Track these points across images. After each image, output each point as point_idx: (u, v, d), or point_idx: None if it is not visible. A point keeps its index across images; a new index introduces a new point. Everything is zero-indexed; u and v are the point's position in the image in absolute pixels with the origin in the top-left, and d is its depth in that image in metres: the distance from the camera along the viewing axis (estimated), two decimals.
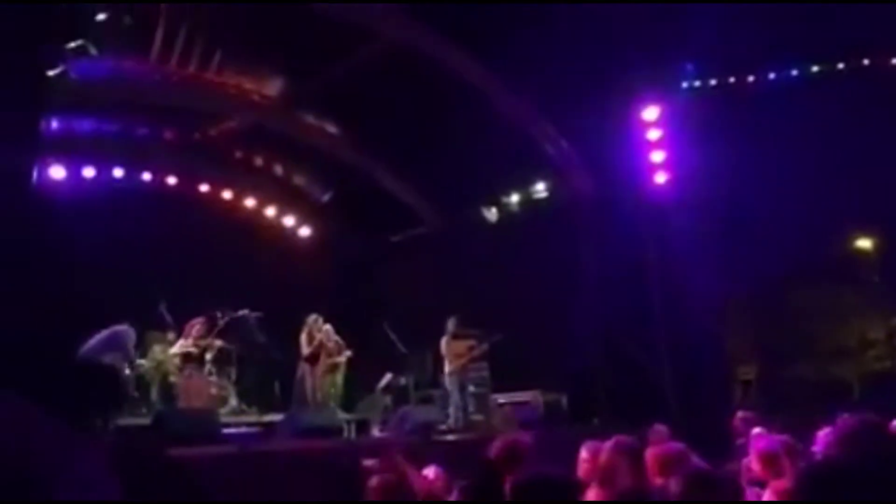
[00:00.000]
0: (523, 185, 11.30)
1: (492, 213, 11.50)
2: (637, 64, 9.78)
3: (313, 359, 8.95)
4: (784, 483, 3.88)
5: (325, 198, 13.01)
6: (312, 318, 9.42)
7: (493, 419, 9.00)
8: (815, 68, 11.56)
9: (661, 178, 10.31)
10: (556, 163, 10.76)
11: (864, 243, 14.56)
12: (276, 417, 8.55)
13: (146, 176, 11.28)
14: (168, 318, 9.42)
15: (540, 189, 11.17)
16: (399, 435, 8.18)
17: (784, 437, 4.89)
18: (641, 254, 10.17)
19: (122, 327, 8.35)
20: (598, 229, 10.46)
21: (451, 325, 9.31)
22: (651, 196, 10.23)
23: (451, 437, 8.08)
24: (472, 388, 9.28)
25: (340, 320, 9.97)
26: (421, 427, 8.02)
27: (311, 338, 9.01)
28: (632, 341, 10.28)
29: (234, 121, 11.11)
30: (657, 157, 10.40)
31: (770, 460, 4.24)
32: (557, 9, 8.53)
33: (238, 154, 11.93)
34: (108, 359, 8.01)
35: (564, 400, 9.48)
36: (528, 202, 11.35)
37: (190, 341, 8.84)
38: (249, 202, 12.56)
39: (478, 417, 9.12)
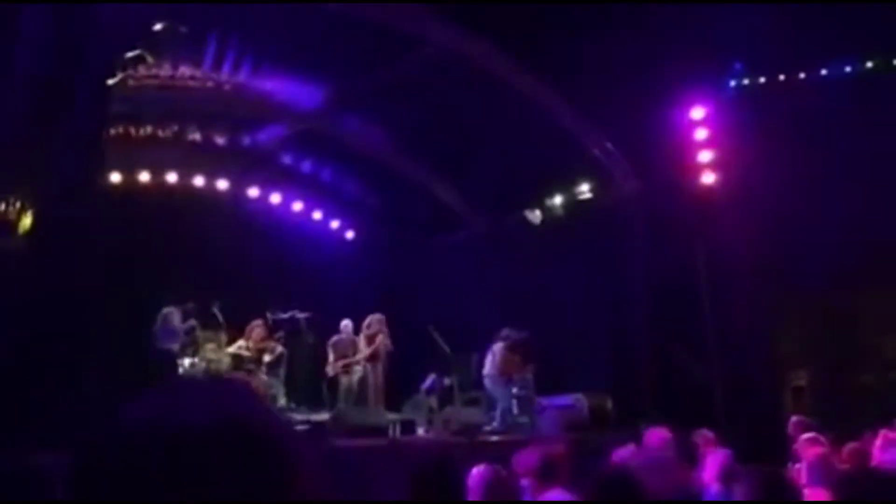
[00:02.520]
0: (567, 186, 11.25)
1: (535, 215, 11.48)
2: (684, 62, 9.64)
3: (373, 358, 9.12)
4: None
5: (370, 201, 13.18)
6: (377, 317, 9.50)
7: (538, 421, 8.98)
8: (869, 64, 11.21)
9: (708, 177, 10.14)
10: (601, 163, 10.68)
11: None
12: (325, 416, 8.71)
13: (199, 181, 11.61)
14: (220, 318, 9.68)
15: (584, 190, 11.10)
16: (444, 435, 8.26)
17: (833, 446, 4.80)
18: (689, 255, 10.02)
19: (165, 310, 8.75)
20: (644, 230, 10.34)
21: (508, 333, 9.28)
22: (699, 196, 10.07)
23: (495, 439, 8.11)
24: (516, 391, 9.27)
25: (386, 322, 10.10)
26: (465, 428, 8.07)
27: (371, 339, 9.18)
28: (680, 344, 10.13)
29: (283, 126, 11.36)
30: (705, 156, 10.24)
31: (819, 467, 4.17)
32: (603, 8, 8.49)
33: (286, 159, 12.20)
34: (161, 345, 8.40)
35: (610, 403, 9.39)
36: (573, 204, 11.29)
37: (250, 343, 9.08)
38: (297, 206, 12.82)
39: (522, 420, 9.11)
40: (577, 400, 9.33)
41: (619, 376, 10.08)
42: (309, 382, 10.23)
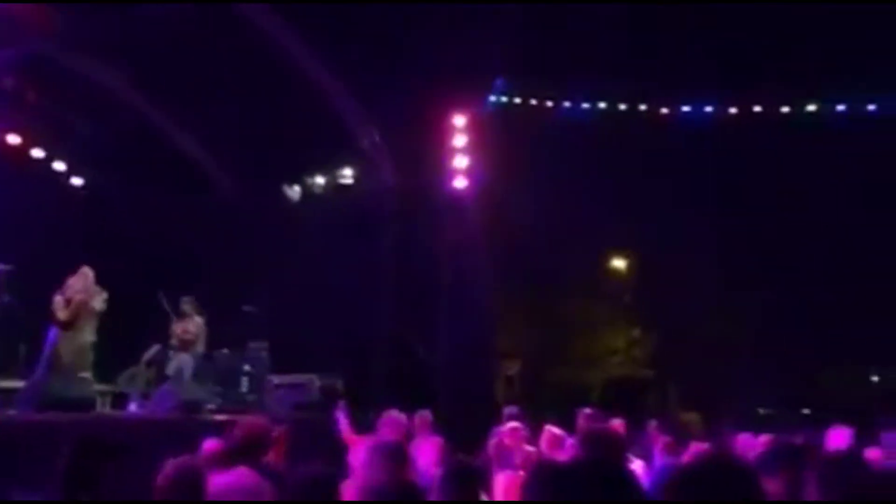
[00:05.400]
0: (330, 168, 11.28)
1: (294, 191, 11.30)
2: (454, 71, 10.20)
3: (70, 323, 7.92)
4: (511, 475, 4.32)
5: (111, 150, 11.76)
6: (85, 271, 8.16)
7: (268, 401, 8.83)
8: (602, 104, 12.97)
9: (460, 182, 10.84)
10: (367, 152, 10.87)
11: (620, 263, 16.75)
12: (19, 384, 7.62)
13: None
14: None
15: (346, 175, 11.22)
16: (161, 412, 7.73)
17: (520, 431, 5.44)
18: (434, 251, 10.65)
19: None
20: (397, 223, 10.76)
21: (187, 306, 8.77)
22: (450, 199, 10.74)
23: (220, 417, 7.81)
24: (247, 368, 9.01)
25: (107, 282, 9.07)
26: (187, 405, 7.65)
27: (68, 300, 7.90)
28: (415, 332, 10.74)
29: (8, 48, 9.60)
30: (460, 162, 10.93)
31: (501, 452, 4.71)
32: (389, 6, 8.65)
33: (6, 83, 10.32)
34: None
35: (341, 384, 9.59)
36: (334, 186, 11.35)
37: None
38: (13, 139, 10.95)
39: (250, 397, 8.89)
40: (309, 380, 9.38)
41: (355, 359, 10.37)
42: (3, 344, 8.82)
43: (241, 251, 11.13)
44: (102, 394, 8.35)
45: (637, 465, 4.70)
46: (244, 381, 8.89)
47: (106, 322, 8.55)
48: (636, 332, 16.56)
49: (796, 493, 2.65)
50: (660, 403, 14.90)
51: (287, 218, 11.23)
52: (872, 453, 5.22)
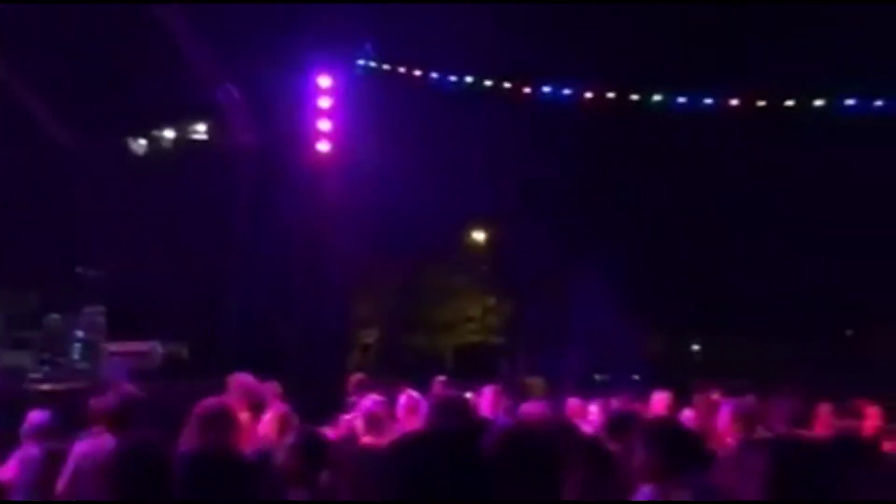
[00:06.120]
0: (181, 123, 10.60)
1: (139, 145, 10.53)
2: (321, 29, 9.88)
3: None
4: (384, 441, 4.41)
5: None
6: None
7: (102, 369, 8.29)
8: (468, 79, 13.18)
9: (323, 146, 10.58)
10: (222, 108, 10.30)
11: (479, 236, 17.33)
12: None
13: None
14: None
15: (199, 130, 10.60)
16: None
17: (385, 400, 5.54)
18: (292, 215, 10.37)
19: None
20: (253, 184, 10.34)
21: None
22: (311, 162, 10.46)
23: (46, 387, 7.26)
24: (80, 334, 8.39)
25: None
26: (7, 373, 7.04)
27: None
28: (268, 298, 10.46)
29: None
30: (324, 125, 10.64)
31: (373, 421, 4.78)
32: None
33: None
34: None
35: (186, 351, 9.21)
36: (185, 141, 10.70)
37: None
38: None
39: (82, 365, 8.30)
40: (151, 347, 8.91)
41: (202, 325, 9.96)
42: None
43: (77, 207, 10.25)
44: None
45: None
46: (76, 348, 8.28)
47: None
48: (491, 301, 17.30)
49: (629, 455, 2.98)
50: (509, 368, 15.73)
51: (130, 173, 10.46)
52: (687, 415, 5.91)
